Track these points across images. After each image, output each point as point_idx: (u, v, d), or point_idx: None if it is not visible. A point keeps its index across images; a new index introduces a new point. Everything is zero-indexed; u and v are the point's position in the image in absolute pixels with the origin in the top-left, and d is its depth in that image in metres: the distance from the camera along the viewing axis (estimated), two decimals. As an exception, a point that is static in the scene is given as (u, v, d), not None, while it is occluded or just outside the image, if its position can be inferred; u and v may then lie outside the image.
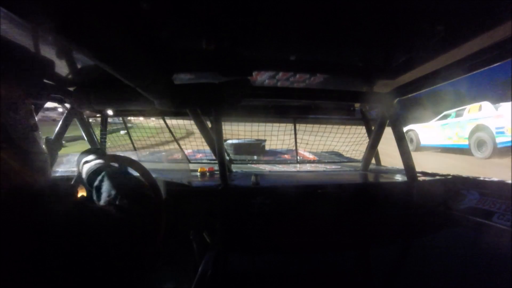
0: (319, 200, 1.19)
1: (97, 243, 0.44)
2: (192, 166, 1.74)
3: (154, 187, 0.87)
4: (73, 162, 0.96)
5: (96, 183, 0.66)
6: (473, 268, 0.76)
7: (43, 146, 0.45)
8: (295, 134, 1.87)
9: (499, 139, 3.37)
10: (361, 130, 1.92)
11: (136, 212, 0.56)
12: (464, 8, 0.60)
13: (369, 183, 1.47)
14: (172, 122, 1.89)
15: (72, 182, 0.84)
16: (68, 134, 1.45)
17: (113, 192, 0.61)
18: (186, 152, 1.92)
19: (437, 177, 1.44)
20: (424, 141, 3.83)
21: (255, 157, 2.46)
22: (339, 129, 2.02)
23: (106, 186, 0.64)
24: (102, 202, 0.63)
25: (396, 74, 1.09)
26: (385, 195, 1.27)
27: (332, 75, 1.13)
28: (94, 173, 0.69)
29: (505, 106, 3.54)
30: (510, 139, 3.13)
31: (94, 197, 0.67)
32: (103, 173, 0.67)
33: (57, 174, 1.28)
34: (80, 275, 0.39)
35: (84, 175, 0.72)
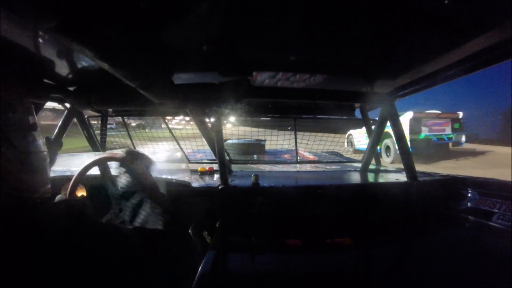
0: (319, 200, 1.19)
1: (97, 243, 0.44)
2: (192, 166, 1.74)
3: (153, 187, 0.87)
4: (73, 161, 0.96)
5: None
6: (473, 268, 0.76)
7: (43, 144, 0.45)
8: (295, 134, 1.87)
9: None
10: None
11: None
12: (464, 8, 0.60)
13: (369, 183, 1.47)
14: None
15: (72, 182, 0.84)
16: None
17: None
18: (186, 152, 1.92)
19: (437, 177, 1.44)
20: (357, 145, 4.26)
21: (255, 157, 2.46)
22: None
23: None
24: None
25: (396, 74, 1.09)
26: (385, 195, 1.27)
27: (332, 75, 1.13)
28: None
29: (404, 116, 4.10)
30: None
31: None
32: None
33: (57, 174, 1.28)
34: (80, 276, 0.39)
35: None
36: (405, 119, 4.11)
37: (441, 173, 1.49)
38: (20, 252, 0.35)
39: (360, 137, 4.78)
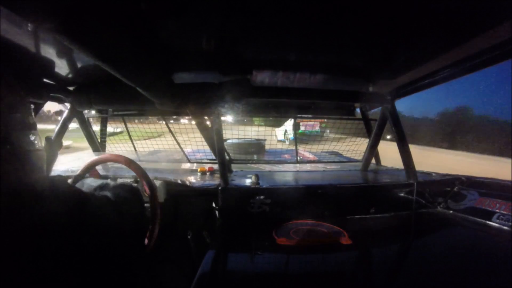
0: (319, 200, 1.19)
1: (96, 242, 0.44)
2: (192, 166, 1.74)
3: (150, 187, 0.87)
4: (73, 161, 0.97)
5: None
6: (473, 268, 0.76)
7: (40, 143, 0.46)
8: (295, 133, 1.87)
9: (290, 136, 6.57)
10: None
11: (129, 212, 0.57)
12: (464, 8, 0.60)
13: (369, 183, 1.47)
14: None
15: (71, 181, 0.85)
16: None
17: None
18: (186, 151, 1.92)
19: (437, 177, 1.44)
20: (278, 138, 6.92)
21: (255, 157, 2.46)
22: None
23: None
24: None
25: (396, 74, 1.09)
26: (385, 195, 1.27)
27: (332, 75, 1.12)
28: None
29: (291, 121, 6.31)
30: (291, 136, 6.11)
31: None
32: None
33: (57, 174, 1.28)
34: (79, 274, 0.40)
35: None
36: (290, 123, 6.40)
37: (441, 173, 1.49)
38: (19, 250, 0.35)
39: (278, 131, 7.42)
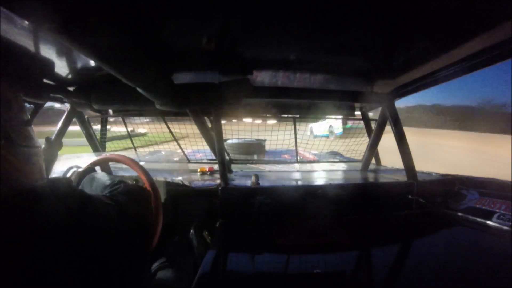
0: (319, 200, 1.19)
1: (97, 243, 0.44)
2: (192, 166, 1.74)
3: (152, 187, 0.87)
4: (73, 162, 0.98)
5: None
6: (473, 268, 0.76)
7: (37, 139, 0.46)
8: (295, 133, 1.87)
9: (337, 131, 7.34)
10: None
11: (135, 212, 0.57)
12: (464, 8, 0.60)
13: (369, 183, 1.47)
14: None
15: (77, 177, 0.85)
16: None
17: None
18: (186, 152, 1.92)
19: (437, 177, 1.44)
20: (316, 133, 7.24)
21: (255, 157, 2.46)
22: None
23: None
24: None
25: (396, 74, 1.09)
26: (385, 195, 1.27)
27: (332, 75, 1.13)
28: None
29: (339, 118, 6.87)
30: (340, 131, 6.89)
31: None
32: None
33: (57, 174, 1.28)
34: (79, 275, 0.39)
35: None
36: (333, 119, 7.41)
37: (441, 173, 1.50)
38: (19, 251, 0.35)
39: (315, 127, 7.70)
